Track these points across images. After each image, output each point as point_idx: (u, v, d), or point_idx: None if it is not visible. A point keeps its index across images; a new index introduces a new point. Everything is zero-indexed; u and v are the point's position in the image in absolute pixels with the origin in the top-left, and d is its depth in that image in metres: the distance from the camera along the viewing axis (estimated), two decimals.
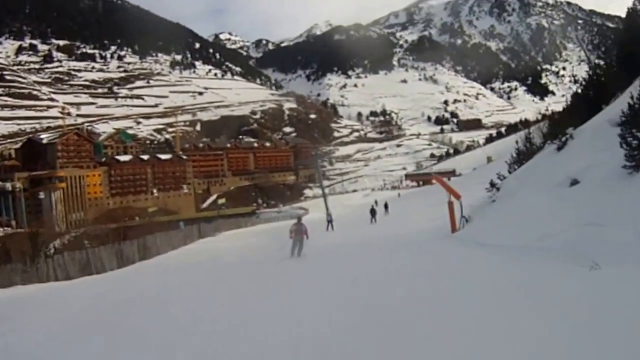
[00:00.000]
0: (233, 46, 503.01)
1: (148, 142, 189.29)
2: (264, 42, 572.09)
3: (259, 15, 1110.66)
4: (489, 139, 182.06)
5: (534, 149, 20.31)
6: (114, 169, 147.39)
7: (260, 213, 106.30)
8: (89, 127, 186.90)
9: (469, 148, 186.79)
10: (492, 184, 18.35)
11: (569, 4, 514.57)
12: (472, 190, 26.85)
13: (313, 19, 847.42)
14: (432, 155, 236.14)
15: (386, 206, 49.76)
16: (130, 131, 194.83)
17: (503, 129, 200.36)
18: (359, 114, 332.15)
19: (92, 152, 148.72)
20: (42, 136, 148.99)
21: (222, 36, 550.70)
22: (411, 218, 36.63)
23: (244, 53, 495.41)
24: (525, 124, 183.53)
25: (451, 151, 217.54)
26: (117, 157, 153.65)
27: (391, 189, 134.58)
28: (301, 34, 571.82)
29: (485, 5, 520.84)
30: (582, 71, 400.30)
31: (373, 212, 41.33)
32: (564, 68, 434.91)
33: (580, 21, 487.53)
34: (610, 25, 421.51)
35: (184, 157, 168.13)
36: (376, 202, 51.77)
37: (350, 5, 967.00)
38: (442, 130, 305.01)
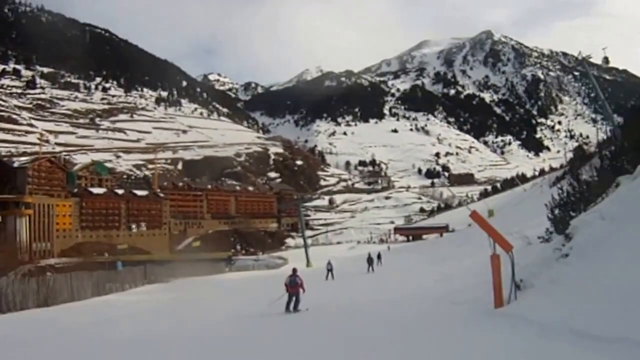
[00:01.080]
0: (221, 87, 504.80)
1: (125, 176, 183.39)
2: (253, 85, 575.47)
3: (250, 59, 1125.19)
4: (484, 194, 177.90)
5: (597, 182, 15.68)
6: (85, 201, 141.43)
7: (235, 260, 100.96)
8: (67, 157, 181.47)
9: (461, 203, 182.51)
10: (559, 227, 13.02)
11: (565, 54, 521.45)
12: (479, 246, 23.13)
13: (304, 65, 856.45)
14: (422, 210, 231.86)
15: (379, 256, 49.26)
16: (109, 165, 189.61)
17: (498, 184, 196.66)
18: (347, 163, 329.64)
19: (65, 182, 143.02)
20: (13, 160, 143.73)
21: (211, 76, 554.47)
22: (413, 274, 32.23)
23: (233, 95, 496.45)
24: (522, 178, 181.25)
25: (442, 205, 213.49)
26: (91, 189, 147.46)
27: (379, 242, 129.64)
28: (291, 79, 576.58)
29: (480, 55, 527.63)
30: (579, 126, 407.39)
31: (370, 261, 42.30)
32: (559, 122, 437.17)
33: (576, 73, 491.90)
34: (608, 77, 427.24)
35: (161, 195, 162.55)
36: (370, 253, 47.69)
37: (342, 52, 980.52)
38: (432, 184, 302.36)
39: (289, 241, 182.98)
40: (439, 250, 50.70)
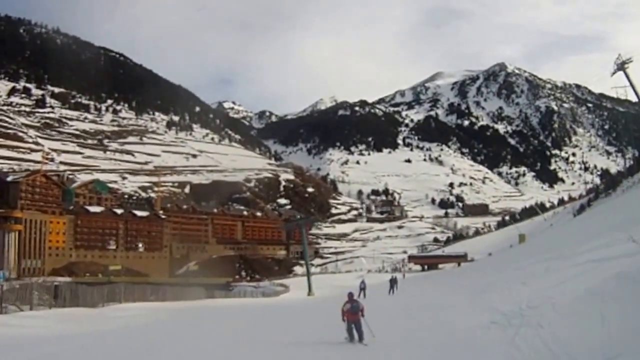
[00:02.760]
0: (236, 115, 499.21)
1: (127, 196, 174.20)
2: (268, 113, 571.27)
3: (265, 89, 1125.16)
4: (502, 223, 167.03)
5: None
6: (81, 219, 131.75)
7: (234, 286, 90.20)
8: (71, 176, 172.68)
9: (478, 232, 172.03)
10: None
11: (578, 87, 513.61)
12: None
13: (318, 95, 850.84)
14: (436, 240, 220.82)
15: (395, 281, 44.88)
16: (114, 186, 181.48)
17: (517, 214, 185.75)
18: (360, 192, 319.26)
19: (61, 198, 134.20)
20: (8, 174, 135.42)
21: (225, 104, 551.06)
22: (450, 309, 21.73)
23: (247, 123, 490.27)
24: (542, 208, 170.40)
25: (457, 235, 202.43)
26: (88, 207, 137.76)
27: (391, 272, 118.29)
28: (305, 108, 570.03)
29: (493, 87, 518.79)
30: (593, 158, 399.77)
31: (394, 281, 42.55)
32: (573, 154, 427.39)
33: (590, 105, 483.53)
34: (621, 109, 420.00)
35: (163, 216, 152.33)
36: (393, 276, 47.25)
37: (356, 83, 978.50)
38: (446, 214, 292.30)
39: (297, 269, 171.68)
40: (466, 280, 39.84)
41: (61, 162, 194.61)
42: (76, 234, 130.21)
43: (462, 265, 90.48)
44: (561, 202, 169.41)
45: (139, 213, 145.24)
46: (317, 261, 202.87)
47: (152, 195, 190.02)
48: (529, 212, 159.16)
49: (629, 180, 78.89)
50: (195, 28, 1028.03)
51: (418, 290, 41.78)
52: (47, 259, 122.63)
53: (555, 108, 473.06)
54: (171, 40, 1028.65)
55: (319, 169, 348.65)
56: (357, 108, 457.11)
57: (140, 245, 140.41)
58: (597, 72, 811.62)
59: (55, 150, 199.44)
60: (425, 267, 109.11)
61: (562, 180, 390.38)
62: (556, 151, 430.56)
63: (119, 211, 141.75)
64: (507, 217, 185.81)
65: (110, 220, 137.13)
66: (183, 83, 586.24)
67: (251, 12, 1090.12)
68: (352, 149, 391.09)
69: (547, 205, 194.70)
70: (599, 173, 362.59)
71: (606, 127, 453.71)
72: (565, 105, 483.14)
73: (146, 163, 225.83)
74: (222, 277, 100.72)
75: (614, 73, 74.36)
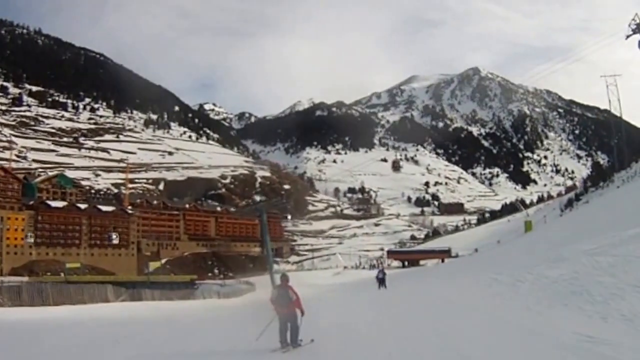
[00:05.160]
0: (216, 117, 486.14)
1: (93, 191, 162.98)
2: (247, 115, 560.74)
3: (246, 92, 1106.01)
4: (482, 220, 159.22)
5: None
6: (42, 215, 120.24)
7: (200, 284, 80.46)
8: (42, 173, 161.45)
9: (458, 229, 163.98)
10: None
11: (549, 92, 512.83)
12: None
13: (297, 97, 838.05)
14: (413, 237, 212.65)
15: (384, 276, 38.24)
16: (86, 183, 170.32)
17: (497, 211, 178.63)
18: (337, 190, 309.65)
19: (21, 193, 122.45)
20: None
21: (206, 106, 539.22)
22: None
23: (226, 124, 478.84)
24: (524, 204, 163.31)
25: (435, 232, 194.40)
26: (49, 202, 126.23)
27: (369, 268, 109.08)
28: (284, 110, 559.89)
29: (467, 90, 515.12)
30: (564, 161, 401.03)
31: (381, 280, 35.80)
32: (545, 157, 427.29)
33: (560, 110, 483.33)
34: (590, 115, 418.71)
35: (130, 212, 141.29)
36: (379, 271, 39.02)
37: (333, 85, 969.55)
38: (422, 212, 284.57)
39: (274, 266, 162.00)
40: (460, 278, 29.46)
41: (34, 160, 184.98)
42: (37, 230, 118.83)
43: (447, 262, 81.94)
44: (540, 199, 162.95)
45: (104, 208, 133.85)
46: (294, 258, 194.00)
47: (125, 192, 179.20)
48: (509, 209, 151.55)
49: (622, 173, 71.90)
50: (178, 34, 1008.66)
51: (411, 285, 35.18)
52: (5, 257, 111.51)
53: (528, 112, 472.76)
54: (154, 45, 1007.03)
55: (296, 167, 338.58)
56: (334, 109, 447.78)
57: (114, 236, 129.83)
58: (565, 80, 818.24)
59: (25, 148, 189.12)
60: (406, 263, 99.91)
61: (535, 182, 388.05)
62: (528, 154, 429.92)
63: (83, 206, 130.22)
64: (487, 214, 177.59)
65: (73, 215, 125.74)
66: (165, 85, 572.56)
67: (232, 18, 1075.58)
68: (329, 148, 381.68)
69: (527, 202, 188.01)
70: (570, 176, 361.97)
71: (576, 131, 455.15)
72: (537, 109, 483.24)
73: (121, 160, 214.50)
74: (185, 276, 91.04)
75: (628, 37, 65.97)
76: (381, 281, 35.62)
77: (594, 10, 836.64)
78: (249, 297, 55.82)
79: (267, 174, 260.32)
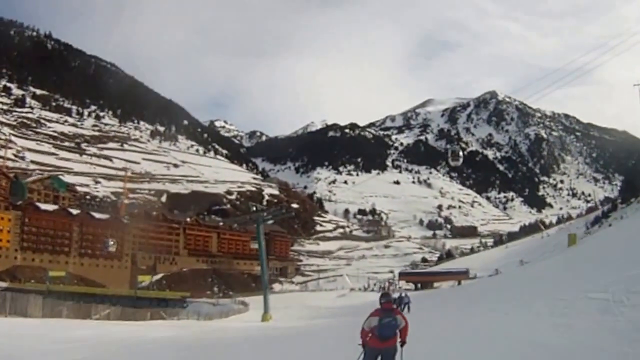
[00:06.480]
0: (227, 134, 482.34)
1: (88, 197, 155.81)
2: (259, 133, 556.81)
3: (258, 111, 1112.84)
4: (499, 241, 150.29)
5: None
6: (29, 217, 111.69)
7: (191, 302, 72.16)
8: (39, 175, 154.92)
9: (473, 250, 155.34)
10: None
11: (566, 116, 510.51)
12: None
13: (310, 118, 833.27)
14: (424, 260, 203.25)
15: (407, 299, 33.66)
16: (85, 189, 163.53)
17: (517, 229, 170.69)
18: (347, 211, 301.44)
19: (9, 192, 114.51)
20: None
21: (217, 123, 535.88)
22: None
23: (237, 141, 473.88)
24: (544, 224, 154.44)
25: (449, 254, 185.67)
26: (38, 204, 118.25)
27: (379, 290, 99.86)
28: (296, 130, 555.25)
29: (484, 114, 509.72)
30: (580, 185, 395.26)
31: (401, 301, 31.15)
32: (562, 181, 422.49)
33: (578, 133, 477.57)
34: (608, 137, 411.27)
35: (126, 221, 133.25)
36: (401, 294, 35.03)
37: (348, 108, 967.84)
38: (434, 235, 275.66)
39: (276, 286, 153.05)
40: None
41: (32, 161, 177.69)
42: (23, 233, 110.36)
43: (464, 284, 73.30)
44: (560, 220, 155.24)
45: (97, 215, 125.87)
46: (298, 278, 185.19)
47: (126, 202, 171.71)
48: (527, 230, 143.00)
49: None
50: (193, 51, 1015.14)
51: (438, 312, 28.11)
52: None
53: (545, 136, 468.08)
54: (168, 60, 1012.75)
55: (305, 187, 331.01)
56: (347, 130, 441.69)
57: (111, 242, 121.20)
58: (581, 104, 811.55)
59: (29, 150, 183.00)
60: (418, 285, 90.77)
61: (550, 205, 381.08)
62: (544, 177, 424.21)
63: (75, 211, 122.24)
64: (504, 236, 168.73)
65: (64, 220, 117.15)
66: (176, 100, 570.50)
67: (247, 37, 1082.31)
68: (341, 169, 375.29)
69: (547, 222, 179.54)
70: (586, 198, 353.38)
71: (594, 154, 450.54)
72: (555, 133, 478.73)
73: (124, 169, 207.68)
74: (176, 292, 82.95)
75: None
76: (406, 306, 31.14)
77: (609, 26, 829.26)
78: (231, 320, 48.12)
79: (275, 192, 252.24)
